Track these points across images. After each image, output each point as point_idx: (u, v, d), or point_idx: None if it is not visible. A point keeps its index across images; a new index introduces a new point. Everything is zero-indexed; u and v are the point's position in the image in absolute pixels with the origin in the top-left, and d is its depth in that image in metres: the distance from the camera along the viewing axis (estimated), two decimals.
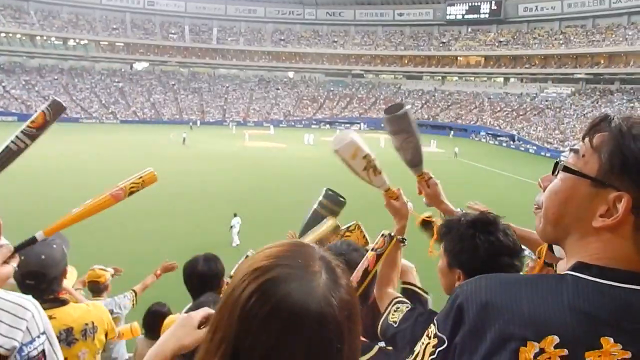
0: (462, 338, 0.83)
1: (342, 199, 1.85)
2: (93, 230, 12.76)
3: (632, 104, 49.50)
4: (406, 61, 70.30)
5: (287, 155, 34.26)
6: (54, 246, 2.12)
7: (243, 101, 68.20)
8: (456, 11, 67.69)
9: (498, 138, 51.93)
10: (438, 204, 1.88)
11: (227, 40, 72.30)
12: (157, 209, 17.08)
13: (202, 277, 2.64)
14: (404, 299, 1.70)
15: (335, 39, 73.81)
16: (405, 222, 1.82)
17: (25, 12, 63.38)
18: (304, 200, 2.02)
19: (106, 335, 2.35)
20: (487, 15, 65.41)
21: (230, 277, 2.39)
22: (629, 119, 0.82)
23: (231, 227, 14.04)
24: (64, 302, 2.20)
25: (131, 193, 1.69)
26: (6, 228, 1.61)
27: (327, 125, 61.70)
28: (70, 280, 3.06)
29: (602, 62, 55.11)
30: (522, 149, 46.43)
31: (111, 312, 2.66)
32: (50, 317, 1.74)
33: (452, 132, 57.00)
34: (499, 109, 59.69)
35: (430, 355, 0.88)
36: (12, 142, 1.53)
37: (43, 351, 1.27)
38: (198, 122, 57.88)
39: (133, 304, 3.59)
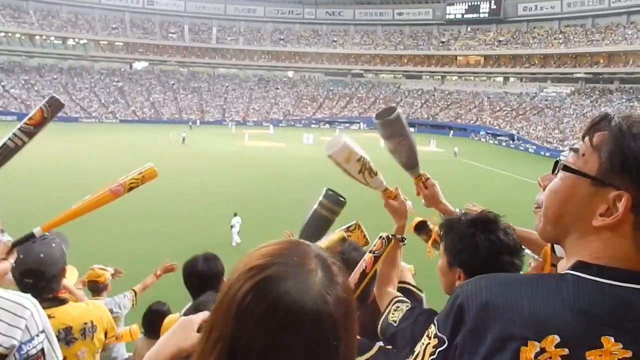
0: (463, 338, 0.83)
1: (342, 199, 1.85)
2: (93, 230, 12.76)
3: (631, 103, 49.52)
4: (406, 61, 70.29)
5: (287, 155, 34.25)
6: (53, 245, 2.12)
7: (242, 101, 68.17)
8: (456, 11, 67.68)
9: (497, 137, 51.94)
10: (436, 204, 1.88)
11: (227, 40, 72.26)
12: (157, 208, 17.08)
13: (201, 277, 2.64)
14: (404, 298, 1.70)
15: (335, 39, 73.78)
16: (405, 221, 1.82)
17: (24, 11, 63.33)
18: (303, 199, 2.02)
19: (106, 334, 2.34)
20: (486, 15, 65.40)
21: None
22: (629, 118, 0.82)
23: (231, 226, 14.05)
24: (63, 301, 2.19)
25: (131, 189, 1.67)
26: (6, 228, 1.61)
27: (327, 125, 61.72)
28: (71, 280, 3.06)
29: (601, 61, 55.12)
30: (522, 148, 46.44)
31: (111, 311, 2.66)
32: (49, 316, 1.74)
33: (451, 131, 57.02)
34: (498, 108, 59.70)
35: (430, 355, 0.87)
36: (9, 139, 1.51)
37: (42, 350, 1.27)
38: (197, 122, 57.87)
39: (133, 304, 3.59)
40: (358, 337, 1.49)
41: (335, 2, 73.60)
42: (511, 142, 49.57)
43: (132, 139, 38.45)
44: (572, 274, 0.81)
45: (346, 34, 74.23)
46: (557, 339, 0.75)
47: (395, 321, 1.58)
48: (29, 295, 1.32)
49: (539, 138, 47.87)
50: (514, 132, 51.83)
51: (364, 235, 2.09)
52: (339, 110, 67.05)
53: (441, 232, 1.57)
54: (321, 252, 0.75)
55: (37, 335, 1.26)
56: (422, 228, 2.06)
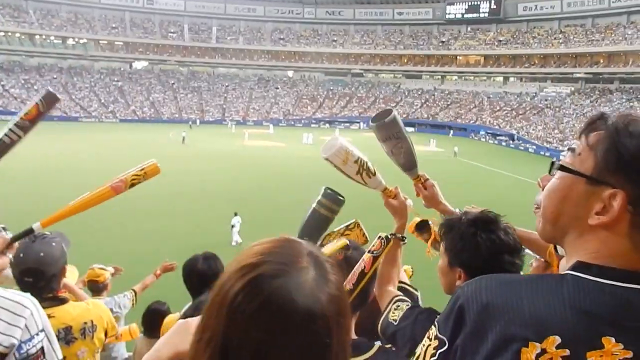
0: (463, 340, 0.83)
1: (341, 198, 1.85)
2: (93, 230, 12.76)
3: (631, 103, 49.53)
4: (405, 60, 70.30)
5: (287, 155, 34.26)
6: (53, 244, 2.11)
7: (242, 100, 68.17)
8: (455, 10, 67.69)
9: (497, 137, 51.95)
10: (436, 204, 1.87)
11: (227, 39, 72.26)
12: (157, 208, 17.08)
13: (201, 276, 2.64)
14: (405, 297, 1.70)
15: (335, 38, 73.78)
16: (405, 220, 1.82)
17: (24, 11, 63.32)
18: (303, 199, 2.01)
19: (106, 333, 2.34)
20: (486, 15, 65.40)
21: None
22: (625, 116, 0.82)
23: (232, 226, 14.06)
24: (63, 301, 2.19)
25: (132, 185, 1.65)
26: (6, 227, 1.61)
27: (327, 125, 61.75)
28: (71, 280, 3.06)
29: (601, 61, 55.13)
30: (522, 148, 46.45)
31: (111, 311, 2.65)
32: (49, 316, 1.73)
33: (451, 131, 57.03)
34: (498, 108, 59.72)
35: (431, 356, 0.87)
36: (5, 135, 1.50)
37: (42, 348, 1.27)
38: (197, 121, 57.90)
39: (133, 304, 3.59)
40: (357, 336, 1.51)
41: (335, 1, 73.60)
42: (511, 142, 49.58)
43: (132, 139, 38.44)
44: (572, 275, 0.81)
45: (346, 34, 74.23)
46: (557, 339, 0.74)
47: (395, 320, 1.57)
48: (28, 295, 1.32)
49: (539, 138, 47.89)
50: (514, 132, 51.84)
51: (364, 234, 2.08)
52: (339, 110, 67.06)
53: (441, 232, 1.57)
54: (313, 250, 0.74)
55: (37, 334, 1.26)
56: (423, 228, 2.06)
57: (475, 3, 65.59)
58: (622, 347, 0.73)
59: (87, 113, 58.30)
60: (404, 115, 60.19)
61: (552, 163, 0.89)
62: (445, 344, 0.85)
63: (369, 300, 1.50)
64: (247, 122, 60.46)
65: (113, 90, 63.93)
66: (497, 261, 1.42)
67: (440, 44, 68.66)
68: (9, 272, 2.30)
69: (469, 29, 68.51)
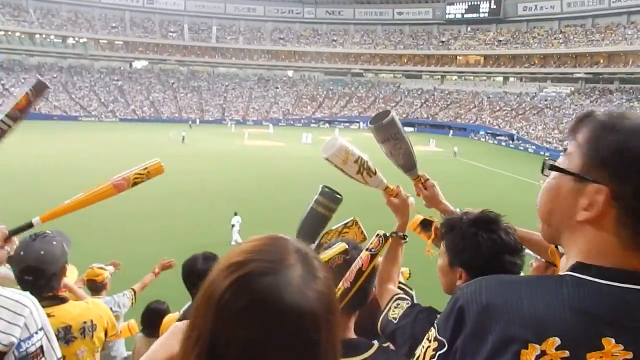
0: (463, 341, 0.83)
1: (338, 196, 1.85)
2: (92, 231, 12.77)
3: (631, 104, 49.55)
4: (405, 60, 70.30)
5: (286, 154, 34.26)
6: (54, 243, 2.11)
7: (242, 100, 68.16)
8: (455, 10, 67.69)
9: (497, 137, 51.96)
10: (436, 204, 1.87)
11: (227, 39, 72.24)
12: (157, 208, 17.08)
13: (201, 276, 2.61)
14: (405, 296, 1.70)
15: (335, 38, 73.77)
16: (407, 219, 1.82)
17: (24, 10, 63.30)
18: (303, 199, 2.01)
19: (106, 333, 2.34)
20: (486, 15, 65.39)
21: None
22: (612, 113, 0.83)
23: (232, 225, 14.07)
24: (63, 300, 2.19)
25: (135, 184, 1.65)
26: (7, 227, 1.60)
27: (327, 124, 61.75)
28: (71, 279, 3.06)
29: (601, 61, 55.14)
30: (521, 148, 46.48)
31: (110, 310, 2.65)
32: (49, 315, 1.73)
33: (451, 131, 57.04)
34: (498, 108, 59.73)
35: (430, 358, 0.87)
36: None
37: (41, 347, 1.28)
38: (197, 121, 57.90)
39: (132, 303, 3.59)
40: (356, 336, 1.51)
41: (335, 1, 73.58)
42: (511, 142, 49.60)
43: (131, 138, 38.43)
44: (572, 275, 0.81)
45: (346, 34, 74.22)
46: (557, 341, 0.74)
47: (395, 318, 1.58)
48: (27, 293, 1.33)
49: (539, 138, 47.91)
50: (514, 132, 51.86)
51: (362, 232, 2.08)
52: (339, 110, 67.06)
53: (442, 232, 1.57)
54: (302, 247, 0.74)
55: (36, 333, 1.26)
56: (427, 226, 2.06)
57: (475, 3, 65.58)
58: (622, 347, 0.72)
59: (87, 112, 58.30)
60: (404, 115, 60.22)
61: (544, 163, 0.90)
62: (445, 345, 0.85)
63: (368, 300, 1.50)
64: (246, 122, 60.46)
65: (113, 90, 63.91)
66: (498, 261, 1.43)
67: (440, 44, 68.66)
68: (9, 272, 2.30)
69: (468, 29, 68.50)
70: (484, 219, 1.50)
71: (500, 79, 65.69)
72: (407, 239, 1.82)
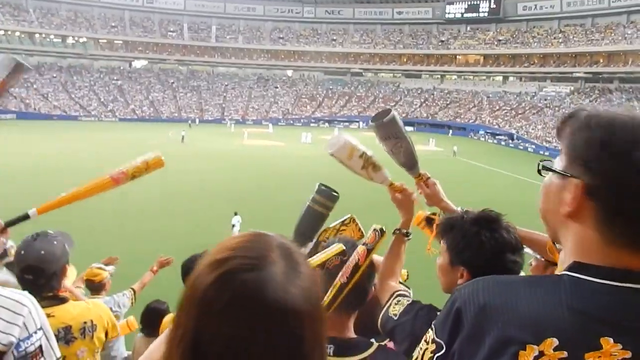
0: (461, 343, 0.82)
1: (335, 194, 1.86)
2: (92, 231, 12.77)
3: (631, 103, 49.57)
4: (405, 60, 70.31)
5: (286, 154, 34.26)
6: (55, 242, 2.11)
7: (242, 99, 68.15)
8: (455, 10, 67.70)
9: (497, 137, 51.98)
10: (438, 203, 1.87)
11: (226, 39, 72.22)
12: (156, 208, 17.08)
13: None
14: (406, 293, 1.70)
15: (334, 38, 73.76)
16: (411, 216, 1.83)
17: (24, 9, 63.25)
18: (302, 198, 2.01)
19: (106, 334, 2.34)
20: (486, 14, 65.39)
21: None
22: (590, 111, 0.85)
23: (232, 225, 14.08)
24: (63, 300, 2.19)
25: (134, 177, 1.64)
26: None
27: (326, 124, 61.74)
28: (70, 279, 3.05)
29: (601, 61, 55.17)
30: (521, 147, 46.49)
31: (110, 310, 2.65)
32: (49, 315, 1.73)
33: (450, 130, 57.06)
34: (497, 107, 59.75)
35: None
36: None
37: (40, 347, 1.28)
38: (197, 120, 57.89)
39: (132, 302, 3.59)
40: (356, 335, 1.51)
41: (334, 1, 73.58)
42: (510, 141, 49.62)
43: (131, 138, 38.41)
44: (569, 275, 0.81)
45: (345, 33, 74.21)
46: (555, 341, 0.74)
47: (395, 315, 1.58)
48: (26, 293, 1.33)
49: (538, 137, 47.92)
50: (513, 131, 51.88)
51: (359, 229, 2.08)
52: (338, 109, 67.06)
53: (442, 231, 1.57)
54: (285, 243, 0.74)
55: (35, 333, 1.27)
56: (430, 222, 2.07)
57: (475, 2, 65.58)
58: (621, 347, 0.72)
59: (86, 112, 58.28)
60: (403, 115, 60.19)
61: (538, 164, 0.92)
62: (443, 347, 0.85)
63: (367, 299, 1.50)
64: (246, 122, 60.45)
65: (112, 89, 63.88)
66: (500, 260, 1.43)
67: (440, 44, 68.67)
68: (10, 278, 2.31)
69: (468, 28, 68.50)
70: (485, 218, 1.50)
71: (500, 78, 65.69)
72: (410, 237, 1.82)
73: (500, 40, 64.11)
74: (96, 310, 2.34)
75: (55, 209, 1.57)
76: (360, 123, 58.43)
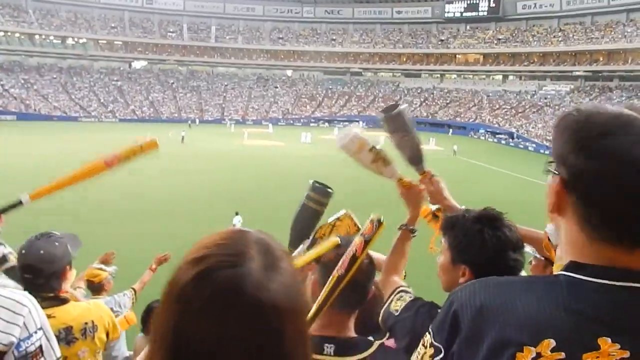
0: (459, 346, 0.82)
1: (329, 190, 1.86)
2: (92, 231, 12.75)
3: (631, 101, 49.54)
4: (405, 59, 70.29)
5: (286, 154, 34.26)
6: (56, 244, 2.11)
7: (242, 99, 68.16)
8: (454, 9, 67.67)
9: (497, 136, 51.97)
10: (441, 200, 1.88)
11: (226, 39, 72.22)
12: (156, 208, 17.08)
13: None
14: (408, 289, 1.70)
15: (334, 37, 73.76)
16: (418, 212, 1.84)
17: (23, 10, 63.25)
18: (303, 198, 2.01)
19: (108, 334, 2.34)
20: (485, 13, 65.38)
21: None
22: (571, 111, 0.85)
23: (233, 225, 14.09)
24: (64, 301, 2.19)
25: (128, 159, 1.62)
26: (9, 229, 1.61)
27: (326, 124, 61.70)
28: (70, 280, 3.05)
29: (601, 59, 55.14)
30: (521, 146, 46.49)
31: (111, 310, 2.65)
32: (50, 316, 1.73)
33: (450, 129, 57.04)
34: (497, 106, 59.73)
35: None
36: None
37: (40, 347, 1.28)
38: (197, 121, 57.88)
39: (133, 302, 3.59)
40: (356, 335, 1.51)
41: (334, 0, 73.58)
42: (510, 140, 49.61)
43: (131, 138, 38.39)
44: (565, 275, 0.81)
45: (345, 33, 74.20)
46: (552, 343, 0.74)
47: (397, 310, 1.59)
48: (26, 293, 1.33)
49: (539, 136, 47.89)
50: (514, 130, 51.87)
51: (355, 224, 2.08)
52: (338, 109, 67.05)
53: (444, 229, 1.57)
54: (264, 239, 0.74)
55: (35, 332, 1.27)
56: (436, 218, 2.07)
57: (474, 1, 65.54)
58: (619, 347, 0.72)
59: (86, 113, 58.28)
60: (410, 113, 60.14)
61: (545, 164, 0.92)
62: (441, 351, 0.85)
63: (367, 298, 1.49)
64: (246, 122, 60.44)
65: (112, 90, 63.89)
66: (501, 258, 1.43)
67: (439, 43, 68.65)
68: (8, 282, 2.32)
69: (467, 27, 68.49)
70: (487, 216, 1.50)
71: (500, 77, 65.68)
72: (416, 233, 1.82)
73: (499, 39, 64.09)
74: (97, 310, 2.34)
75: (49, 194, 1.55)
76: (360, 123, 58.41)
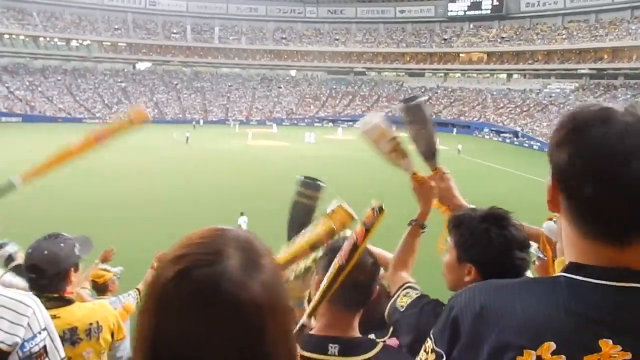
0: (460, 352, 0.82)
1: (319, 183, 1.85)
2: (95, 233, 12.78)
3: (636, 99, 49.26)
4: (408, 58, 70.16)
5: (290, 154, 34.27)
6: (62, 245, 2.12)
7: (245, 100, 68.25)
8: (458, 7, 67.49)
9: (501, 134, 51.79)
10: (451, 198, 1.88)
11: (229, 39, 72.34)
12: (162, 210, 17.11)
13: None
14: (416, 286, 1.70)
15: (337, 37, 73.73)
16: (429, 208, 1.84)
17: (28, 13, 63.58)
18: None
19: (112, 335, 2.34)
20: (489, 11, 65.17)
21: None
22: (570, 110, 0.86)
23: (239, 226, 14.10)
24: (68, 302, 2.19)
25: (118, 132, 1.63)
26: (11, 229, 1.61)
27: (330, 124, 61.71)
28: (75, 281, 3.05)
29: (605, 57, 54.84)
30: (526, 145, 46.29)
31: (115, 310, 2.66)
32: (55, 317, 1.74)
33: (455, 129, 56.83)
34: (502, 105, 59.53)
35: None
36: None
37: (44, 347, 1.28)
38: (201, 121, 57.99)
39: (137, 302, 3.60)
40: (360, 335, 1.50)
41: (336, 0, 73.55)
42: (515, 139, 49.40)
43: (135, 139, 38.55)
44: (565, 277, 0.80)
45: (348, 32, 74.16)
46: (553, 346, 0.73)
47: (402, 306, 1.59)
48: (30, 294, 1.34)
49: (544, 135, 47.64)
50: (518, 129, 51.65)
51: (349, 213, 2.05)
52: (342, 109, 67.02)
53: (450, 227, 1.56)
54: (243, 236, 0.74)
55: (40, 333, 1.27)
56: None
57: (478, 0, 65.35)
58: (620, 348, 0.71)
59: (91, 114, 58.49)
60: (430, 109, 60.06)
61: None
62: (443, 357, 0.84)
63: (372, 297, 1.49)
64: (250, 122, 60.54)
65: (117, 91, 64.14)
66: (508, 257, 1.43)
67: (443, 42, 68.48)
68: (19, 282, 2.33)
69: (471, 26, 68.29)
70: (494, 215, 1.50)
71: (504, 75, 65.43)
72: (426, 229, 1.82)
73: (503, 38, 63.85)
74: (102, 311, 2.34)
75: (42, 174, 1.54)
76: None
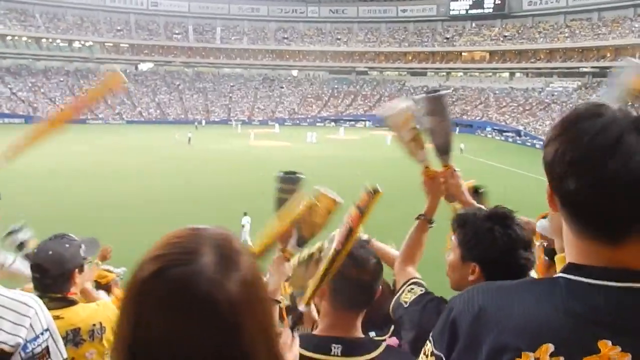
0: (458, 354, 0.81)
1: (298, 175, 1.82)
2: (99, 235, 12.81)
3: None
4: (410, 57, 70.08)
5: (293, 154, 34.27)
6: (67, 245, 2.12)
7: (247, 100, 68.28)
8: (460, 6, 67.36)
9: (504, 133, 51.65)
10: (459, 195, 1.88)
11: (231, 40, 72.40)
12: (165, 211, 17.12)
13: None
14: (421, 282, 1.70)
15: (339, 37, 73.69)
16: (437, 202, 1.85)
17: (30, 15, 63.76)
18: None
19: None
20: (491, 10, 65.03)
21: None
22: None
23: (242, 226, 14.11)
24: (72, 302, 2.19)
25: (97, 98, 1.63)
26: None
27: (332, 123, 61.67)
28: (80, 282, 3.05)
29: (608, 55, 54.65)
30: (529, 144, 46.12)
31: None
32: (58, 317, 1.74)
33: (457, 128, 56.62)
34: (504, 104, 59.40)
35: None
36: None
37: (47, 348, 1.28)
38: (203, 122, 58.03)
39: None
40: (363, 335, 1.49)
41: (338, 0, 73.55)
42: (518, 137, 49.28)
43: (138, 140, 38.63)
44: (564, 277, 0.79)
45: (350, 32, 74.11)
46: (551, 347, 0.72)
47: (406, 302, 1.59)
48: (32, 294, 1.34)
49: (546, 134, 47.40)
50: (521, 127, 51.53)
51: (332, 199, 1.97)
52: (344, 109, 66.99)
53: (454, 226, 1.56)
54: (220, 234, 0.74)
55: (42, 334, 1.27)
56: (477, 193, 2.08)
57: None
58: (620, 349, 0.70)
59: (94, 115, 58.61)
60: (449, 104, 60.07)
61: None
62: (442, 359, 0.85)
63: (374, 298, 1.49)
64: (252, 122, 60.57)
65: (119, 92, 64.22)
66: (512, 256, 1.43)
67: (445, 41, 68.38)
68: (26, 270, 2.34)
69: (473, 24, 68.16)
70: (499, 214, 1.50)
71: (506, 74, 65.26)
72: (434, 224, 1.83)
73: (505, 36, 63.72)
74: (105, 312, 2.33)
75: (25, 150, 1.54)
76: (366, 122, 58.32)
